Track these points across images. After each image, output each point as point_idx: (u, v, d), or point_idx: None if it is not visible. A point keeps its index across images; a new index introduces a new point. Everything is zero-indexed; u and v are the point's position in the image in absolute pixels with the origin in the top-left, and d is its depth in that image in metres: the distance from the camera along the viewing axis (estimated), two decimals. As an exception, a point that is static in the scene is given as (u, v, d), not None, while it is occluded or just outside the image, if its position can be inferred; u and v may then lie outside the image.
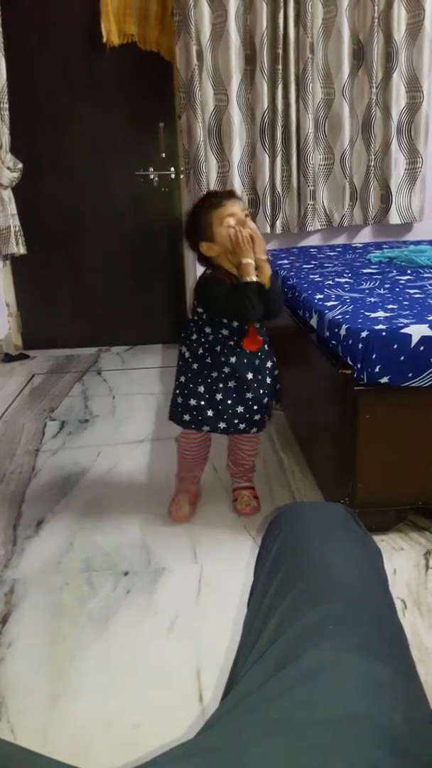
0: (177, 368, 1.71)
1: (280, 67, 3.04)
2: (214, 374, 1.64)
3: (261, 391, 1.67)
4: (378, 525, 1.69)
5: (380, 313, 1.67)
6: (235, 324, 1.61)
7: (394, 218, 3.34)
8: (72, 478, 2.11)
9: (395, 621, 0.68)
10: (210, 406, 1.65)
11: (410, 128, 3.22)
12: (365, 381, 1.54)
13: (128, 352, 3.68)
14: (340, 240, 3.54)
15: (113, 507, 1.92)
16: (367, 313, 1.68)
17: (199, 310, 1.65)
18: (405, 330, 1.53)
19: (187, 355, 1.67)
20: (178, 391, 1.70)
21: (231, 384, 1.64)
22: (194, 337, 1.66)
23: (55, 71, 3.35)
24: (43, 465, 2.23)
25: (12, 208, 3.26)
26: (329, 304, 1.84)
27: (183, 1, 2.92)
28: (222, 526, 1.79)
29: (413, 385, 1.54)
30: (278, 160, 3.18)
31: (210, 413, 1.66)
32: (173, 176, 3.55)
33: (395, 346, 1.52)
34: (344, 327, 1.60)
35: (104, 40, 3.12)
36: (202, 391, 1.65)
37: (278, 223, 3.31)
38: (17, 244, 3.31)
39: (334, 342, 1.65)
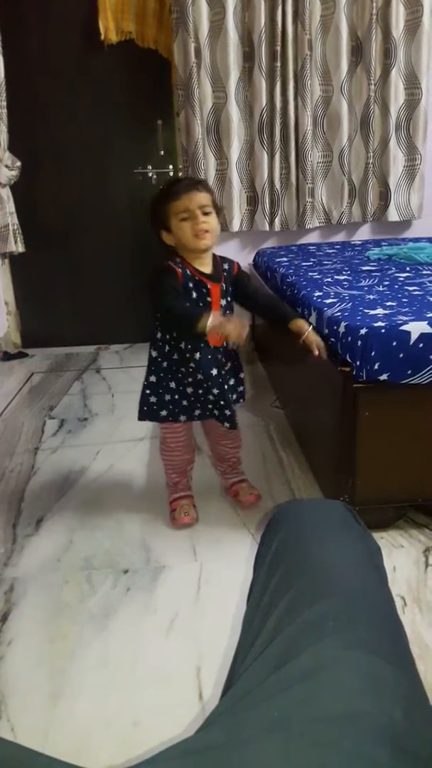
0: (146, 370, 1.68)
1: (278, 64, 3.03)
2: (183, 369, 1.64)
3: (225, 387, 1.65)
4: (377, 522, 1.69)
5: (379, 311, 1.67)
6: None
7: (393, 215, 3.34)
8: (71, 477, 2.11)
9: (395, 618, 0.68)
10: (183, 397, 1.67)
11: (409, 125, 3.21)
12: (364, 378, 1.54)
13: (127, 350, 3.68)
14: (339, 237, 3.54)
15: (113, 505, 1.92)
16: (366, 311, 1.67)
17: None
18: (404, 327, 1.53)
19: (154, 354, 1.65)
20: (149, 391, 1.68)
21: (199, 377, 1.63)
22: (159, 335, 1.63)
23: (53, 69, 3.34)
24: (43, 463, 2.22)
25: (10, 206, 3.26)
26: (328, 301, 1.83)
27: (181, -2, 2.91)
28: (221, 524, 1.79)
29: (412, 382, 1.54)
30: (277, 157, 3.18)
31: (185, 403, 1.67)
32: (172, 174, 3.54)
33: (394, 344, 1.52)
34: (343, 324, 1.60)
35: (102, 37, 3.11)
36: (174, 387, 1.66)
37: (277, 221, 3.30)
38: (16, 242, 3.31)
39: (333, 339, 1.65)
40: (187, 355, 1.61)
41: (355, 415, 1.55)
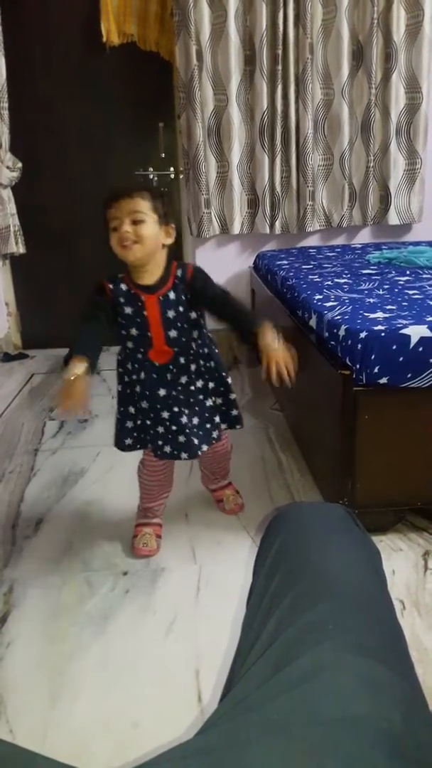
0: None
1: (279, 67, 3.04)
2: (134, 396, 1.53)
3: (177, 409, 1.50)
4: (377, 525, 1.69)
5: (379, 314, 1.67)
6: (135, 332, 1.46)
7: (393, 219, 3.35)
8: (71, 478, 2.11)
9: (394, 622, 0.68)
10: (144, 427, 1.55)
11: (409, 129, 3.22)
12: (364, 381, 1.55)
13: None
14: (339, 241, 3.55)
15: (112, 507, 1.92)
16: (366, 314, 1.68)
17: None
18: (404, 331, 1.53)
19: (117, 377, 1.56)
20: (119, 416, 1.58)
21: (143, 404, 1.51)
22: (118, 357, 1.56)
23: (55, 70, 3.35)
24: (43, 465, 2.23)
25: (11, 207, 3.26)
26: (328, 304, 1.84)
27: (182, 2, 2.92)
28: (220, 526, 1.79)
29: (412, 385, 1.54)
30: (277, 160, 3.19)
31: (150, 434, 1.54)
32: (173, 176, 3.55)
33: (394, 347, 1.52)
34: (343, 327, 1.60)
35: (104, 39, 3.12)
36: (133, 412, 1.55)
37: (277, 224, 3.31)
38: (17, 243, 3.31)
39: (333, 342, 1.65)
40: (134, 376, 1.51)
41: (355, 418, 1.56)
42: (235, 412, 1.62)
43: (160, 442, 1.53)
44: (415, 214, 3.36)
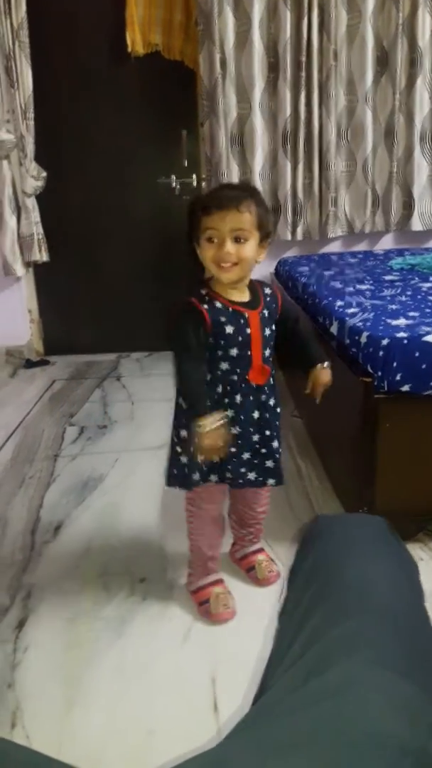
0: (173, 425, 1.40)
1: (303, 74, 3.04)
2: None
3: (268, 433, 1.39)
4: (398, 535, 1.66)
5: (402, 321, 1.65)
6: (235, 352, 1.31)
7: (417, 225, 3.31)
8: (90, 484, 2.12)
9: (428, 637, 0.66)
10: (221, 459, 1.34)
11: (434, 135, 3.19)
12: (386, 389, 1.53)
13: (147, 358, 3.69)
14: (362, 247, 3.52)
15: (131, 513, 1.92)
16: (388, 321, 1.66)
17: None
18: (427, 338, 1.51)
19: (185, 406, 1.34)
20: (180, 449, 1.37)
21: (235, 430, 1.34)
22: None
23: (80, 81, 3.39)
24: (62, 470, 2.24)
25: (35, 215, 3.30)
26: (350, 311, 1.82)
27: (207, 10, 2.94)
28: (239, 533, 1.78)
29: (435, 393, 1.52)
30: (300, 167, 3.18)
31: (233, 462, 1.37)
32: (195, 184, 3.56)
33: (417, 354, 1.50)
34: (365, 334, 1.58)
35: (129, 49, 3.15)
36: None
37: (299, 230, 3.30)
38: (40, 251, 3.35)
39: (354, 349, 1.63)
40: (226, 399, 1.33)
41: (376, 426, 1.53)
42: (277, 464, 1.47)
43: (243, 469, 1.38)
44: (440, 221, 3.32)
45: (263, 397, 1.37)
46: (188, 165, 3.50)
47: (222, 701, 1.21)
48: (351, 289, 2.16)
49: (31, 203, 3.27)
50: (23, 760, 0.54)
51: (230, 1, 2.97)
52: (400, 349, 1.50)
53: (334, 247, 3.50)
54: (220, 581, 1.50)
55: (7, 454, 2.38)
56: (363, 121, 3.16)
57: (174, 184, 3.51)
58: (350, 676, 0.56)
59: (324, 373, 1.42)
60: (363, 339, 1.58)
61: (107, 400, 2.97)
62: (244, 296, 1.32)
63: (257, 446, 1.38)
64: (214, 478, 1.38)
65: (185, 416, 1.34)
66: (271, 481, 1.42)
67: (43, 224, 3.35)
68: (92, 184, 3.55)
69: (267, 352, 1.35)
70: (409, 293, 2.03)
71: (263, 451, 1.39)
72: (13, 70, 3.01)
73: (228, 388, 1.33)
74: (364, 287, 2.18)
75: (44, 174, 3.26)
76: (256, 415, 1.36)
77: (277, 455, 1.41)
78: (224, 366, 1.31)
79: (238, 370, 1.32)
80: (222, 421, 1.24)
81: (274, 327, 1.37)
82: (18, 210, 3.28)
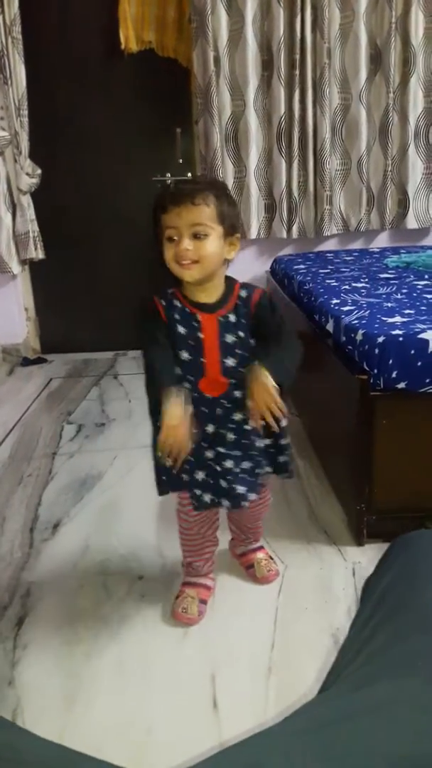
0: (152, 431, 1.29)
1: (297, 72, 3.04)
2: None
3: (222, 450, 1.27)
4: (394, 532, 1.67)
5: (397, 318, 1.66)
6: (185, 356, 1.23)
7: (412, 223, 3.33)
8: (88, 482, 2.12)
9: None
10: (181, 470, 1.28)
11: (428, 132, 3.21)
12: (382, 386, 1.54)
13: (144, 356, 3.70)
14: (357, 245, 3.53)
15: (129, 511, 1.92)
16: (383, 318, 1.67)
17: None
18: (422, 335, 1.52)
19: (151, 404, 1.26)
20: (154, 452, 1.28)
21: (191, 458, 1.26)
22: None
23: (74, 78, 3.38)
24: (60, 468, 2.24)
25: (31, 213, 3.29)
26: (346, 309, 1.83)
27: (200, 8, 2.94)
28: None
29: (430, 390, 1.53)
30: (295, 165, 3.19)
31: (190, 480, 1.30)
32: (190, 181, 3.56)
33: (412, 352, 1.51)
34: (361, 332, 1.59)
35: (122, 46, 3.15)
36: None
37: (294, 228, 3.31)
38: (36, 249, 3.34)
39: (350, 347, 1.64)
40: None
41: (373, 423, 1.54)
42: (283, 458, 1.36)
43: (198, 491, 1.30)
44: (434, 218, 3.34)
45: (219, 410, 1.25)
46: (183, 163, 3.50)
47: (221, 699, 1.22)
48: (347, 287, 2.17)
49: (27, 201, 3.27)
50: (53, 755, 0.54)
51: (224, -2, 2.97)
52: (395, 346, 1.51)
53: (329, 246, 3.51)
54: (197, 585, 1.47)
55: (5, 452, 2.39)
56: (357, 120, 3.17)
57: (169, 182, 3.51)
58: (400, 695, 0.56)
59: (262, 375, 1.15)
60: (359, 337, 1.59)
61: (105, 398, 2.97)
62: (211, 297, 1.23)
63: (211, 464, 1.28)
64: (174, 488, 1.33)
65: (153, 415, 1.24)
66: (225, 503, 1.30)
67: (39, 222, 3.34)
68: (87, 181, 3.55)
69: (229, 362, 1.23)
70: (404, 291, 2.05)
71: (217, 468, 1.27)
72: (6, 67, 3.00)
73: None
74: (359, 285, 2.19)
75: (39, 171, 3.25)
76: (210, 428, 1.26)
77: (230, 477, 1.27)
78: (179, 371, 1.24)
79: (189, 377, 1.24)
80: (181, 416, 1.14)
81: (243, 334, 1.23)
82: (13, 207, 3.28)
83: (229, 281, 1.26)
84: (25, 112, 3.11)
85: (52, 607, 1.51)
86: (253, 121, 3.14)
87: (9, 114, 3.09)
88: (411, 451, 1.58)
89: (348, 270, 2.58)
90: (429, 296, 1.94)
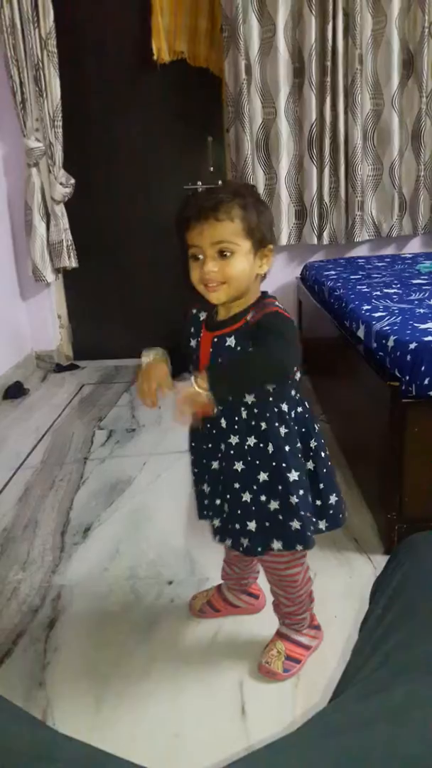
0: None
1: (328, 79, 3.04)
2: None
3: (222, 488, 1.17)
4: (426, 541, 1.65)
5: (430, 325, 1.64)
6: (191, 369, 1.15)
7: (445, 228, 3.29)
8: (119, 487, 2.14)
9: None
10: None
11: (462, 137, 3.16)
12: (413, 393, 1.52)
13: (175, 362, 3.72)
14: (389, 251, 3.50)
15: (159, 516, 1.94)
16: (416, 325, 1.65)
17: None
18: (455, 342, 1.50)
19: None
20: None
21: (195, 469, 1.23)
22: None
23: (108, 89, 3.44)
24: (91, 473, 2.27)
25: (64, 222, 3.35)
26: (377, 315, 1.82)
27: (232, 17, 2.96)
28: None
29: (463, 397, 1.51)
30: (326, 171, 3.18)
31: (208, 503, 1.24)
32: (221, 189, 3.58)
33: (445, 358, 1.49)
34: (392, 338, 1.58)
35: (155, 57, 3.19)
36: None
37: (325, 234, 3.30)
38: (69, 257, 3.40)
39: (381, 353, 1.63)
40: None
41: (404, 431, 1.53)
42: (296, 525, 1.11)
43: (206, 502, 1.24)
44: (468, 223, 3.29)
45: (216, 432, 1.15)
46: (214, 171, 3.52)
47: (250, 705, 1.21)
48: (378, 293, 2.16)
49: (60, 210, 3.33)
50: (82, 755, 0.55)
51: (255, 7, 2.99)
52: (428, 353, 1.50)
53: (360, 252, 3.49)
54: (216, 588, 1.47)
55: (37, 457, 2.42)
56: (389, 125, 3.15)
57: (200, 190, 3.53)
58: (418, 699, 0.55)
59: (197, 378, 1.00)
60: (390, 343, 1.58)
61: (135, 404, 3.00)
62: (225, 313, 1.13)
63: (208, 501, 1.22)
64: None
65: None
66: (220, 540, 1.22)
67: (72, 231, 3.40)
68: (119, 190, 3.60)
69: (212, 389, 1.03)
70: (436, 297, 2.02)
71: (214, 503, 1.21)
72: (41, 80, 3.07)
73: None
74: (391, 291, 2.17)
75: (72, 181, 3.31)
76: (204, 461, 1.20)
77: (238, 518, 1.16)
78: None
79: None
80: (149, 360, 1.11)
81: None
82: (47, 217, 3.34)
83: (259, 301, 1.12)
84: (60, 123, 3.18)
85: (82, 610, 1.52)
86: (284, 128, 3.14)
87: (44, 125, 3.16)
88: (443, 459, 1.56)
89: (379, 276, 2.56)
90: (462, 302, 1.91)
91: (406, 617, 0.68)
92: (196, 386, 0.98)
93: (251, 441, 1.11)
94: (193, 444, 1.22)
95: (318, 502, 1.16)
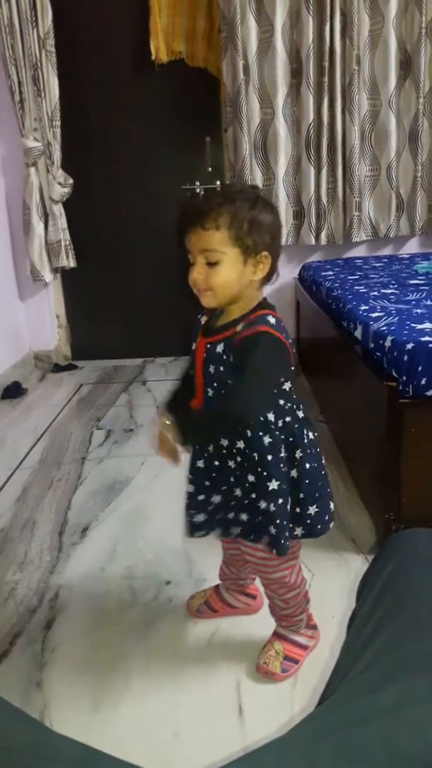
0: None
1: (326, 79, 3.04)
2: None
3: (228, 479, 1.20)
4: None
5: (427, 325, 1.65)
6: (192, 372, 1.18)
7: (442, 228, 3.29)
8: (117, 487, 2.14)
9: None
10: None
11: (459, 137, 3.17)
12: (411, 393, 1.52)
13: (172, 363, 3.72)
14: (386, 251, 3.51)
15: (156, 516, 1.94)
16: (413, 325, 1.66)
17: None
18: (452, 342, 1.50)
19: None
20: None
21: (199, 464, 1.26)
22: None
23: (105, 88, 3.44)
24: (89, 473, 2.27)
25: (63, 222, 3.35)
26: (374, 315, 1.82)
27: (230, 18, 2.96)
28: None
29: (460, 398, 1.51)
30: (324, 171, 3.18)
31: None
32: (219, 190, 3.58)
33: (442, 359, 1.49)
34: (389, 338, 1.58)
35: (153, 57, 3.19)
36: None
37: (323, 235, 3.30)
38: (67, 257, 3.40)
39: (378, 354, 1.63)
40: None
41: (401, 431, 1.53)
42: (272, 530, 1.14)
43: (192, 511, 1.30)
44: (466, 224, 3.30)
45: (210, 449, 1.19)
46: (212, 171, 3.52)
47: (247, 705, 1.22)
48: (375, 293, 2.16)
49: (58, 210, 3.33)
50: (80, 755, 0.55)
51: (253, 8, 2.99)
52: (425, 353, 1.50)
53: (358, 252, 3.49)
54: (212, 587, 1.49)
55: (35, 457, 2.43)
56: (387, 126, 3.15)
57: (198, 191, 3.54)
58: (413, 696, 0.55)
59: (169, 430, 1.13)
60: (387, 343, 1.58)
61: (133, 404, 3.00)
62: (226, 319, 1.13)
63: (202, 498, 1.26)
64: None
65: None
66: (229, 531, 1.23)
67: (70, 231, 3.40)
68: (118, 190, 3.60)
69: (209, 392, 1.13)
70: (434, 297, 2.02)
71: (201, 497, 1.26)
72: (40, 79, 3.07)
73: None
74: (388, 291, 2.18)
75: (71, 181, 3.31)
76: (200, 464, 1.24)
77: (209, 508, 1.24)
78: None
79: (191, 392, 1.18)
80: (162, 430, 1.16)
81: (223, 369, 1.10)
82: (45, 217, 3.34)
83: (256, 310, 1.11)
84: (58, 123, 3.18)
85: (80, 610, 1.52)
86: (281, 128, 3.15)
87: (42, 125, 3.15)
88: (440, 459, 1.56)
89: (377, 276, 2.56)
90: (459, 302, 1.91)
91: (395, 614, 0.68)
92: (164, 430, 1.11)
93: (240, 444, 1.14)
94: (197, 465, 1.27)
95: (297, 510, 1.17)
